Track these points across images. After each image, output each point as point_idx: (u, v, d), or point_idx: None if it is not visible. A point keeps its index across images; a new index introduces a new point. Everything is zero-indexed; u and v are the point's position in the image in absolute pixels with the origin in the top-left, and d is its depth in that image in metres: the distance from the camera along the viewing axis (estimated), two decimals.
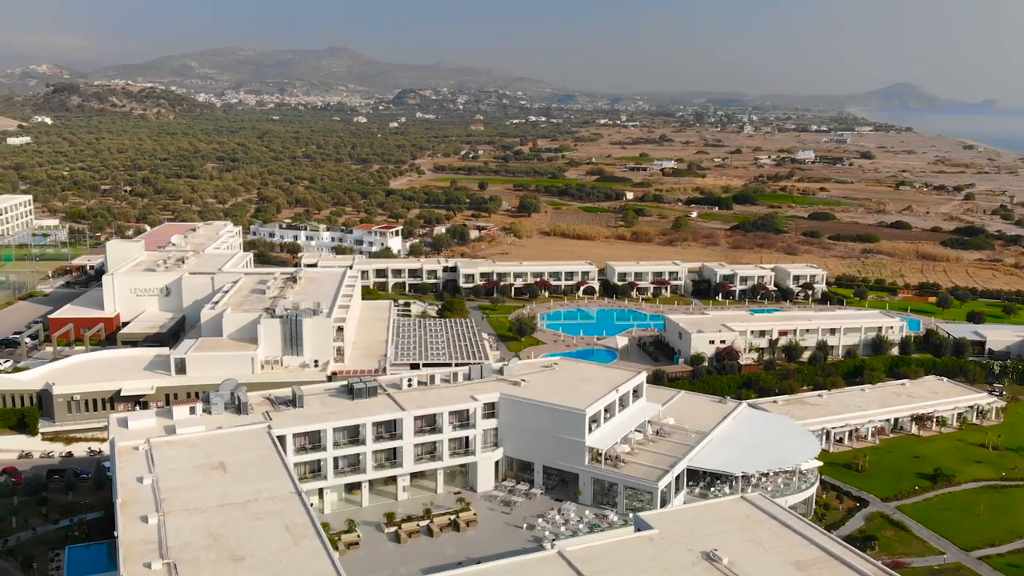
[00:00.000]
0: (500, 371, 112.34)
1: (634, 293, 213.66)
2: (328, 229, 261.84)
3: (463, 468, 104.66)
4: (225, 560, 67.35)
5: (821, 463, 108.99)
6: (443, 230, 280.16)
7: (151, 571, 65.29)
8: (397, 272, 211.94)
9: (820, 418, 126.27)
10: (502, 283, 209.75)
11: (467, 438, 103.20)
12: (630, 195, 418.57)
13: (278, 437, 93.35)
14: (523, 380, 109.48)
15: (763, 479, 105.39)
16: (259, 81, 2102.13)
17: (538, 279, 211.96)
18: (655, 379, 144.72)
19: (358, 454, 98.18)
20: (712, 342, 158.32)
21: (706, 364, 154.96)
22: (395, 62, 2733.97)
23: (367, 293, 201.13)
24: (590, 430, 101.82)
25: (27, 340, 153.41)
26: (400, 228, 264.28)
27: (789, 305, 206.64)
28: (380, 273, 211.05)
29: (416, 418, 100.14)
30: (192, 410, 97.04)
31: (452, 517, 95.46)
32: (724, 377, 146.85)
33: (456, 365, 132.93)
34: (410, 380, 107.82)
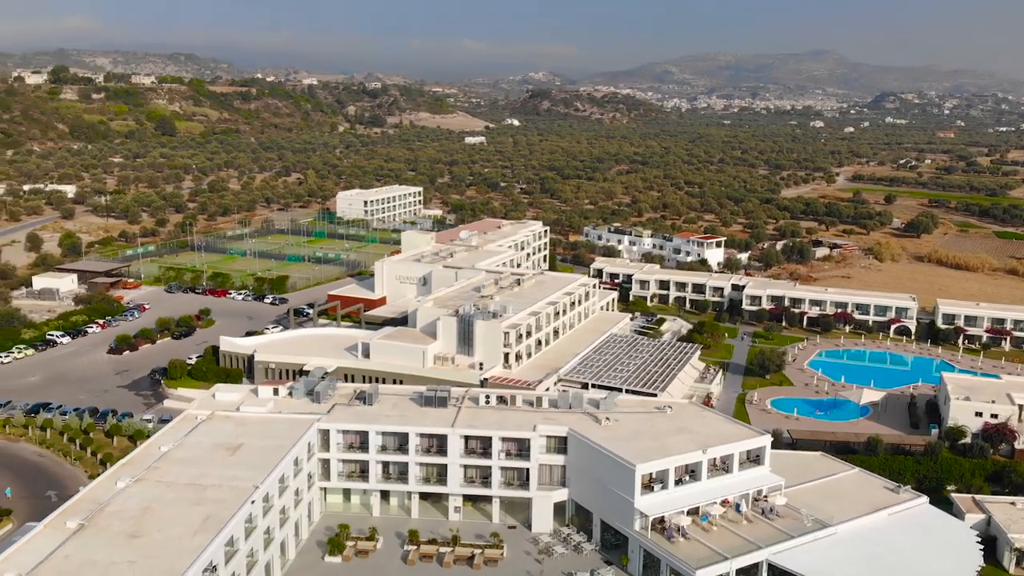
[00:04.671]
0: (596, 404, 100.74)
1: (960, 341, 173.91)
2: (652, 235, 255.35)
3: (527, 502, 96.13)
4: (124, 534, 71.07)
5: None
6: (778, 245, 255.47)
7: (64, 528, 71.68)
8: (681, 285, 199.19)
9: None
10: (793, 309, 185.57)
11: (526, 470, 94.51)
12: None
13: (323, 432, 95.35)
14: (609, 419, 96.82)
15: None
16: (732, 86, 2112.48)
17: (839, 310, 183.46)
18: (868, 448, 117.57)
19: (405, 463, 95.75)
20: (979, 414, 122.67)
21: (967, 440, 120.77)
22: (882, 64, 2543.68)
23: (637, 305, 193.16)
24: (649, 490, 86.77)
25: (308, 311, 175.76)
26: (722, 239, 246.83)
27: None
28: (662, 285, 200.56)
29: (465, 438, 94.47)
30: (276, 391, 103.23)
31: (475, 551, 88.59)
32: (968, 461, 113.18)
33: (626, 392, 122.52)
34: (488, 397, 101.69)
